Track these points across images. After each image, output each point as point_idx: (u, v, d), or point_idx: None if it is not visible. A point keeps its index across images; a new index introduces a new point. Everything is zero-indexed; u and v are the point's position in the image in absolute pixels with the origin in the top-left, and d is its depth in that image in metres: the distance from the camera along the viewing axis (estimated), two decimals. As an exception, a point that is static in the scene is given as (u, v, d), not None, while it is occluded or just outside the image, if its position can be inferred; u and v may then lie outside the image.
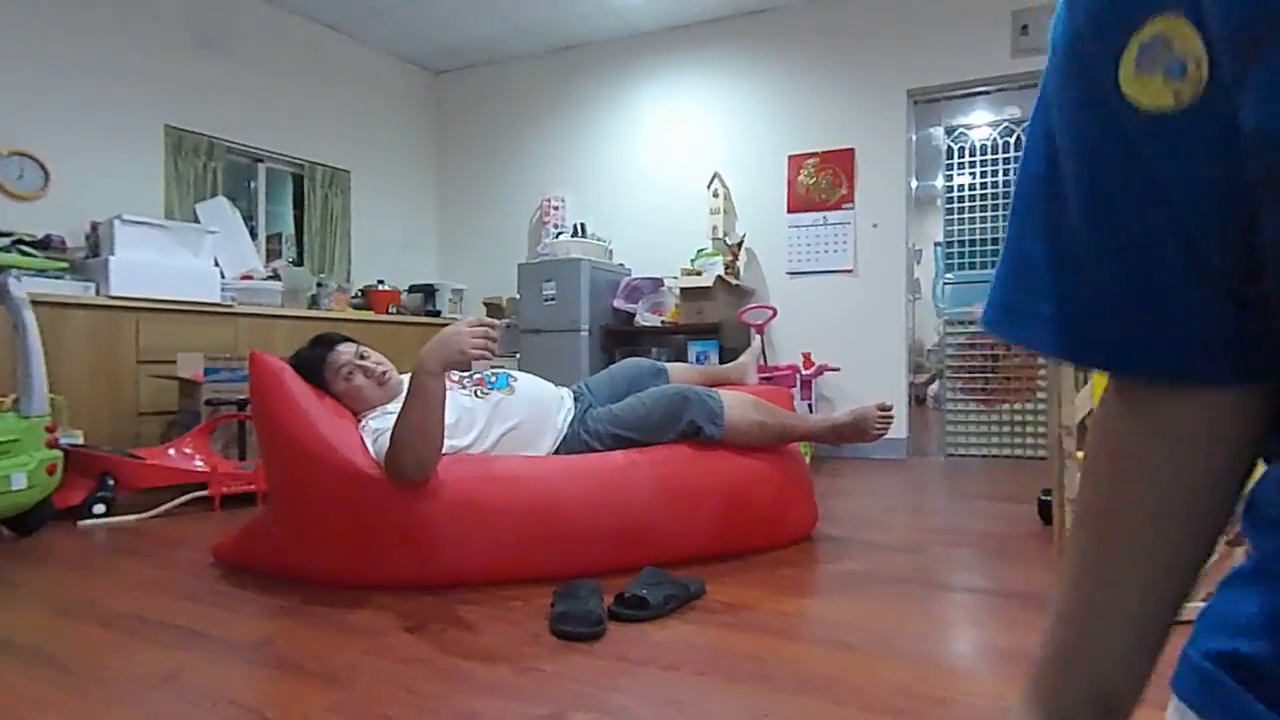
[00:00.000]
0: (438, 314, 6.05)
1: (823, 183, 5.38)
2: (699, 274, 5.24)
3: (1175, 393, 0.41)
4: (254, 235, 5.51)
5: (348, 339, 2.51)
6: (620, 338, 5.47)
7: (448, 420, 2.21)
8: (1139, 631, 0.43)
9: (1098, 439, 0.45)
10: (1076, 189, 0.40)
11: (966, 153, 5.66)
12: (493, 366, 3.00)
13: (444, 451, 2.17)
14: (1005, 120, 5.63)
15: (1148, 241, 0.37)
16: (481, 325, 2.09)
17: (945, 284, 6.02)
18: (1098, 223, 0.39)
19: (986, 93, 5.30)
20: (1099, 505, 0.44)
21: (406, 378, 2.18)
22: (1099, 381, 1.89)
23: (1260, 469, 0.39)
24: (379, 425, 2.23)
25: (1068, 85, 0.38)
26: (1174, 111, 0.32)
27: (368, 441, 2.21)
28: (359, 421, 2.33)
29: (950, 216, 5.78)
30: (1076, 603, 0.45)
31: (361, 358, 2.45)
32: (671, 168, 5.87)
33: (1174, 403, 0.41)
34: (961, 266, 5.80)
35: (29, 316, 2.83)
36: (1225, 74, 0.30)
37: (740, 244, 5.43)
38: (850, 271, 5.32)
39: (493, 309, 6.03)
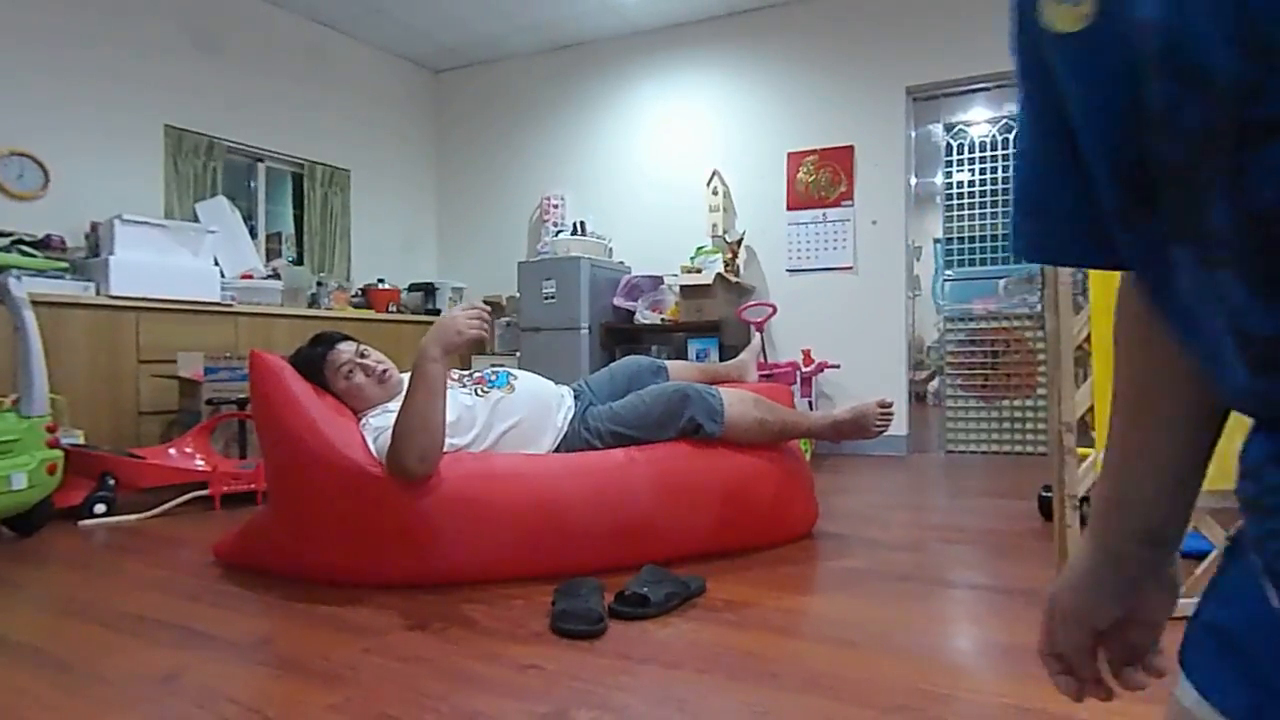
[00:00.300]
0: (438, 312, 6.04)
1: (822, 180, 5.37)
2: (699, 272, 5.24)
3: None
4: (254, 234, 5.51)
5: (348, 337, 2.52)
6: (620, 335, 5.46)
7: (448, 419, 2.21)
8: (1171, 478, 0.52)
9: (1116, 316, 0.53)
10: (1020, 111, 0.48)
11: (965, 149, 5.66)
12: (493, 365, 3.00)
13: (444, 450, 2.17)
14: (1004, 117, 5.63)
15: (1065, 151, 0.44)
16: (474, 308, 2.18)
17: (945, 280, 6.02)
18: (1033, 139, 0.47)
19: (985, 89, 5.30)
20: (1125, 376, 0.53)
21: (407, 376, 2.19)
22: (1100, 376, 1.89)
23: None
24: (380, 423, 2.23)
25: (1016, 24, 0.45)
26: (1078, 30, 0.39)
27: (369, 439, 2.21)
28: (359, 420, 2.33)
29: (950, 213, 5.79)
30: (1118, 457, 0.53)
31: (362, 356, 2.45)
32: (671, 165, 5.86)
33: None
34: (961, 263, 5.81)
35: (29, 316, 2.83)
36: None
37: (740, 241, 5.42)
38: (850, 269, 5.31)
39: (493, 307, 6.03)
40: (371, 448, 2.18)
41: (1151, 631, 0.57)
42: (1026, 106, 0.47)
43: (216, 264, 4.63)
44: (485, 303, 6.09)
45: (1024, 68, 0.46)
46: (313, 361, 2.42)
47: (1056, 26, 0.40)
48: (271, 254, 5.64)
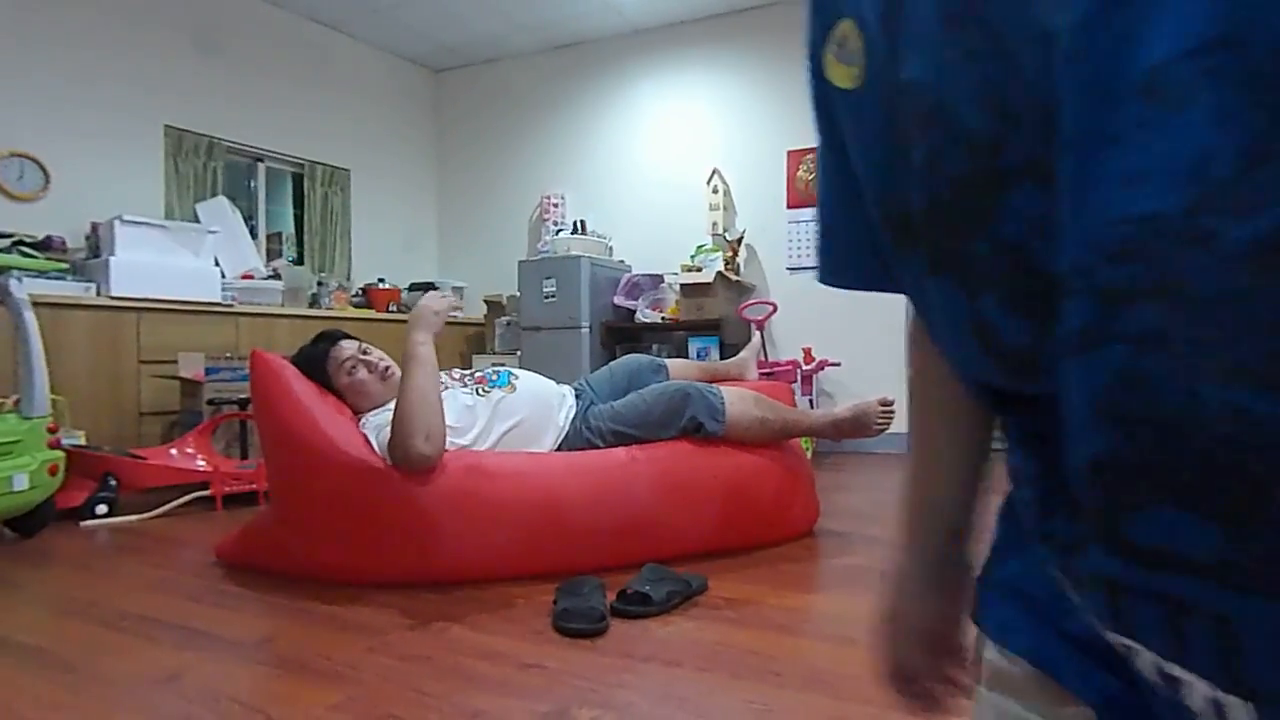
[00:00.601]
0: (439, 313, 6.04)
1: (823, 178, 5.37)
2: (699, 270, 5.24)
3: None
4: (254, 235, 5.51)
5: (350, 336, 2.52)
6: (621, 334, 5.47)
7: (449, 420, 2.22)
8: (963, 483, 0.60)
9: (907, 338, 0.60)
10: (817, 151, 0.55)
11: (966, 147, 5.66)
12: (494, 364, 3.01)
13: (446, 447, 2.17)
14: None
15: (850, 189, 0.50)
16: (437, 292, 2.32)
17: (946, 278, 6.02)
18: (824, 176, 0.54)
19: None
20: (916, 394, 0.60)
21: None
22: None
23: None
24: (381, 420, 2.24)
25: (809, 75, 0.51)
26: (853, 89, 0.45)
27: (371, 438, 2.21)
28: (359, 422, 2.33)
29: (950, 211, 5.78)
30: (918, 462, 0.60)
31: (364, 353, 2.45)
32: (671, 164, 5.86)
33: None
34: (962, 261, 5.80)
35: (30, 317, 2.83)
36: (880, 54, 0.42)
37: (740, 240, 5.42)
38: (851, 267, 5.30)
39: (493, 306, 6.04)
40: (374, 444, 2.18)
41: (946, 642, 0.61)
42: (819, 147, 0.54)
43: (217, 264, 4.64)
44: (486, 302, 6.11)
45: (816, 113, 0.52)
46: (315, 359, 2.43)
47: (836, 83, 0.47)
48: (272, 254, 5.64)
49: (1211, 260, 0.28)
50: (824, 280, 0.57)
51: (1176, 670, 0.33)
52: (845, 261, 0.56)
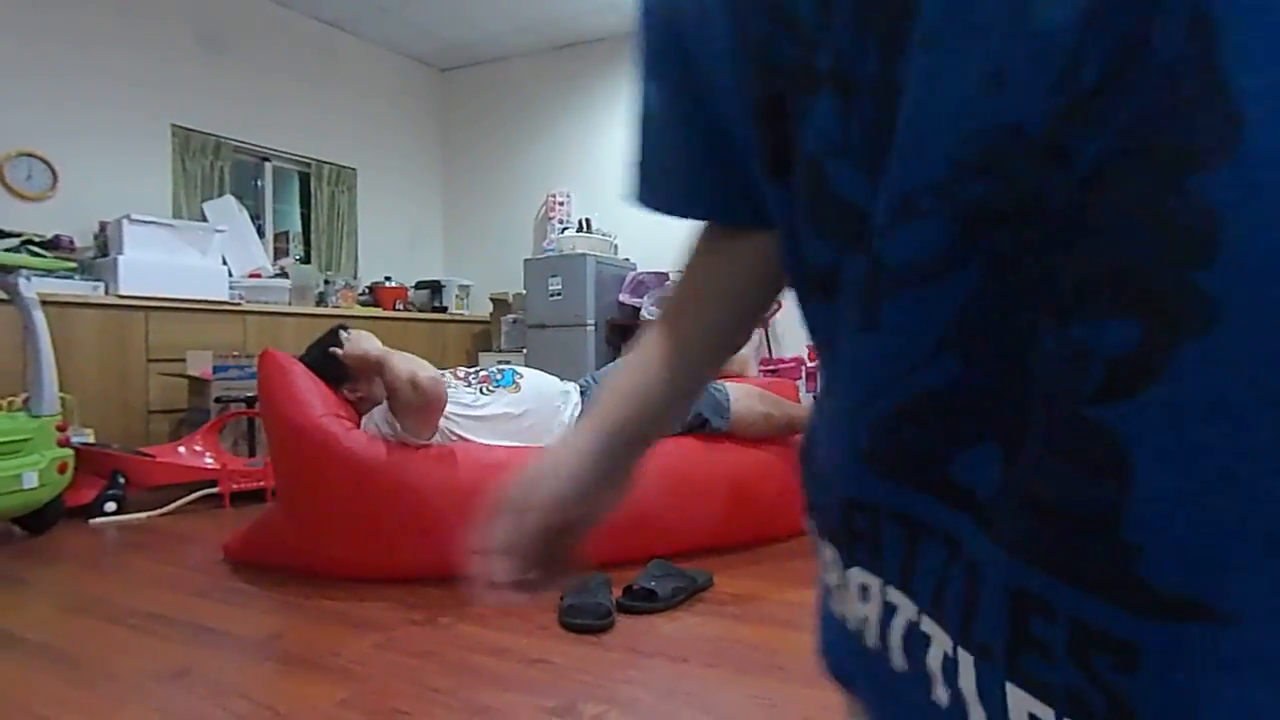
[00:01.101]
0: (444, 310, 6.06)
1: (828, 175, 5.36)
2: (705, 268, 5.23)
3: (725, 230, 0.55)
4: (261, 233, 5.52)
5: (357, 332, 2.55)
6: (626, 332, 5.46)
7: (454, 412, 2.23)
8: (669, 394, 0.56)
9: (688, 255, 0.59)
10: (648, 80, 0.51)
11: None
12: (499, 362, 3.02)
13: (453, 439, 2.18)
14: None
15: (671, 105, 0.49)
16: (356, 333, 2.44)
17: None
18: (647, 92, 0.50)
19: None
20: (670, 304, 0.58)
21: None
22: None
23: None
24: (379, 409, 2.26)
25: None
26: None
27: (384, 430, 2.21)
28: (361, 425, 2.34)
29: (957, 207, 5.76)
30: (641, 366, 0.57)
31: None
32: (676, 161, 5.85)
33: (725, 237, 0.56)
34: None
35: (39, 316, 2.84)
36: None
37: (746, 237, 5.41)
38: (856, 263, 5.29)
39: (499, 304, 6.04)
40: (385, 429, 2.19)
41: (583, 532, 0.56)
42: (647, 58, 0.49)
43: (224, 263, 4.65)
44: (491, 300, 6.13)
45: (648, 20, 0.48)
46: (326, 343, 2.45)
47: None
48: (279, 253, 5.66)
49: (1065, 179, 0.26)
50: (640, 200, 0.56)
51: (927, 625, 0.33)
52: (660, 182, 0.54)
